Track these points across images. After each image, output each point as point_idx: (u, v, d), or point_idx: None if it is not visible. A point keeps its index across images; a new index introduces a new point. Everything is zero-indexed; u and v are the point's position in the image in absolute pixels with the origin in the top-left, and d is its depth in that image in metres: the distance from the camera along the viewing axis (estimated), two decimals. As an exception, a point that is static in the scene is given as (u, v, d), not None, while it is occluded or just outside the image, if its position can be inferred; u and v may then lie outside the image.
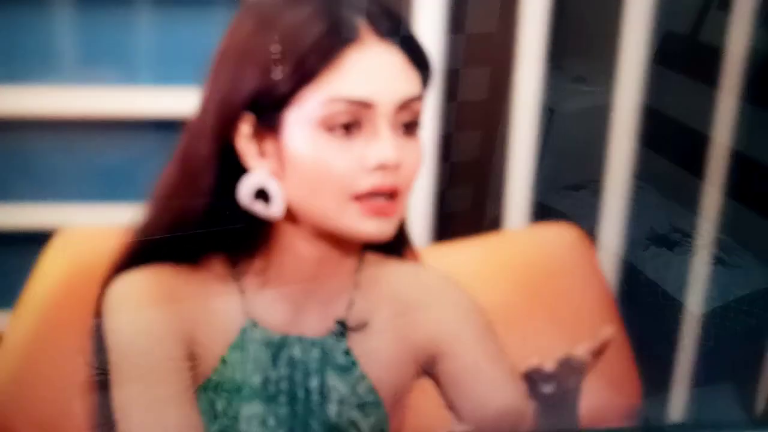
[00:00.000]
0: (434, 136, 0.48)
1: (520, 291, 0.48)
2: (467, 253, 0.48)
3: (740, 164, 0.50)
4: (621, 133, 0.49)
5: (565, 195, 0.51)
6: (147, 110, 0.46)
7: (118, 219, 0.45)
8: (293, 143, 0.42)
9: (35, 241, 0.45)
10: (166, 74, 0.46)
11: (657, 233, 0.51)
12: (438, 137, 0.48)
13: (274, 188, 0.43)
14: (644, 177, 0.50)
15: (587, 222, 0.50)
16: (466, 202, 0.49)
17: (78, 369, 0.45)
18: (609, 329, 0.44)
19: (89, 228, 0.46)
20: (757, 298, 0.51)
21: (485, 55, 0.49)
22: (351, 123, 0.42)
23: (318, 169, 0.42)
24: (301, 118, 0.42)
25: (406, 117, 0.43)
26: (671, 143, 0.50)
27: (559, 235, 0.48)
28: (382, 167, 0.42)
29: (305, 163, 0.42)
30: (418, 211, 0.48)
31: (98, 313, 0.44)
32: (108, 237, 0.45)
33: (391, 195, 0.43)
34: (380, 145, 0.42)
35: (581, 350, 0.44)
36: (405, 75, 0.43)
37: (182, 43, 0.46)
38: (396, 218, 0.44)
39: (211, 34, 0.44)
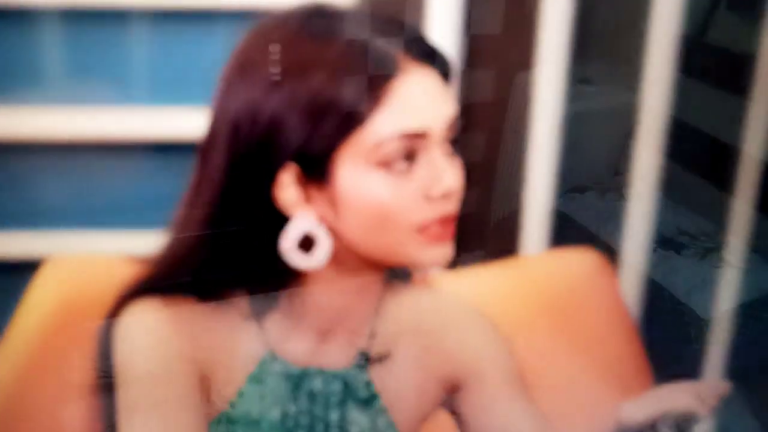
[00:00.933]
0: None
1: (541, 318, 0.47)
2: (487, 279, 0.47)
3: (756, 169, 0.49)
4: (644, 140, 0.48)
5: (570, 198, 0.50)
6: (141, 131, 0.44)
7: (110, 247, 0.44)
8: (348, 187, 0.39)
9: (22, 269, 0.42)
10: (162, 95, 0.43)
11: (664, 236, 0.50)
12: None
13: (322, 236, 0.40)
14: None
15: (593, 224, 0.50)
16: (472, 206, 0.47)
17: (71, 403, 0.42)
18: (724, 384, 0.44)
19: (79, 256, 0.44)
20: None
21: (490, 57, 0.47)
22: (408, 155, 0.39)
23: (379, 208, 0.39)
24: (355, 161, 0.39)
25: (450, 136, 0.41)
26: (680, 147, 0.50)
27: (580, 260, 0.47)
28: (447, 196, 0.40)
29: (364, 205, 0.39)
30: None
31: (100, 343, 0.41)
32: (99, 266, 0.43)
33: (453, 220, 0.41)
34: (443, 174, 0.40)
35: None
36: (445, 95, 0.41)
37: (179, 63, 0.43)
38: (453, 242, 0.42)
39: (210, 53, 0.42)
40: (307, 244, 0.40)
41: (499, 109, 0.49)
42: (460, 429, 0.46)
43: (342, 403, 0.43)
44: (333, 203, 0.40)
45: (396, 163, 0.39)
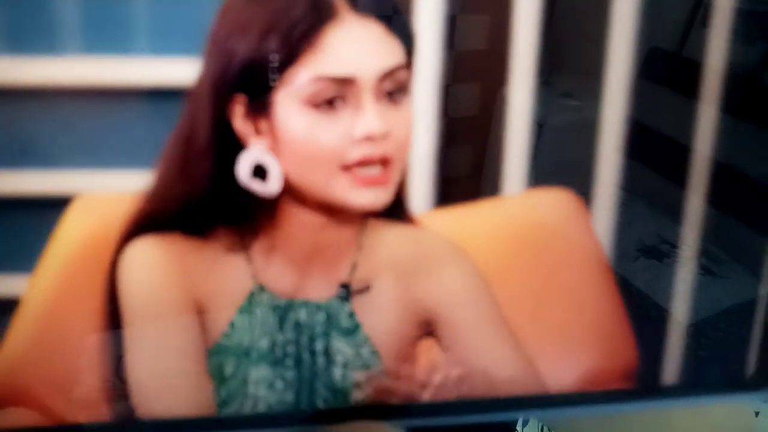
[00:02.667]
0: (433, 89, 0.48)
1: (517, 253, 0.49)
2: (465, 218, 0.49)
3: (727, 176, 0.50)
4: (608, 147, 0.49)
5: None
6: (163, 79, 0.47)
7: (134, 186, 0.47)
8: (283, 121, 0.44)
9: (54, 206, 0.46)
10: (184, 45, 0.46)
11: (646, 245, 0.52)
12: (438, 91, 0.48)
13: (270, 163, 0.44)
14: (632, 190, 0.50)
15: None
16: (467, 165, 0.50)
17: (94, 330, 0.46)
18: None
19: (106, 194, 0.47)
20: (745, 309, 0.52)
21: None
22: (335, 98, 0.43)
23: (308, 144, 0.44)
24: (288, 98, 0.43)
25: (390, 86, 0.44)
26: (657, 155, 0.51)
27: (555, 199, 0.49)
28: (368, 138, 0.44)
29: (296, 140, 0.44)
30: (418, 176, 0.49)
31: (112, 276, 0.46)
32: (124, 203, 0.46)
33: (383, 163, 0.44)
34: (365, 116, 0.43)
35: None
36: (385, 46, 0.44)
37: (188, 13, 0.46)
38: (391, 187, 0.45)
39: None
40: (263, 173, 0.44)
41: (494, 60, 0.51)
42: (446, 359, 0.48)
43: (326, 333, 0.47)
44: (274, 137, 0.44)
45: (324, 103, 0.43)
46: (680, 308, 0.50)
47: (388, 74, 0.44)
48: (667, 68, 0.48)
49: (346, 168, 0.44)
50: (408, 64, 0.45)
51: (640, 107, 0.49)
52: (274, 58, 0.43)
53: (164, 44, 0.45)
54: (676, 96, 0.49)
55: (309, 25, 0.43)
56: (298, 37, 0.43)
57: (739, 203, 0.49)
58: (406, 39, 0.45)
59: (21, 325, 0.46)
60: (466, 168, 0.49)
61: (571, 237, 0.49)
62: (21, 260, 0.46)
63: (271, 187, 0.44)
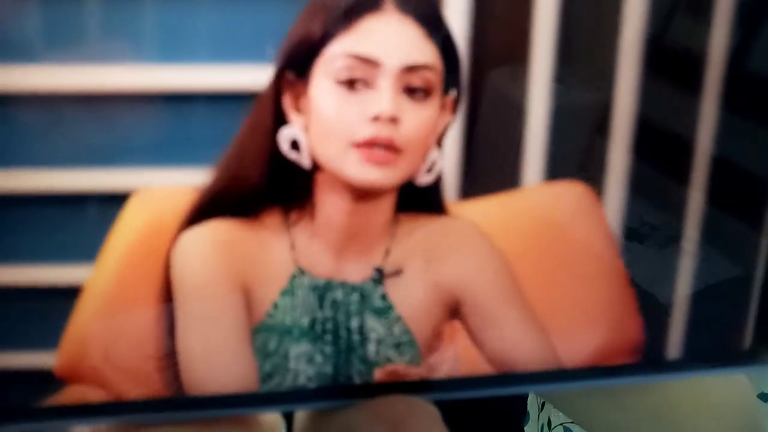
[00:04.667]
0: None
1: (534, 241, 0.53)
2: (486, 209, 0.52)
3: (712, 165, 0.52)
4: (610, 136, 0.51)
5: None
6: (229, 85, 0.49)
7: (191, 181, 0.50)
8: (314, 94, 0.48)
9: (115, 201, 0.50)
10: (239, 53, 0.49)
11: (628, 227, 0.53)
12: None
13: (301, 138, 0.48)
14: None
15: None
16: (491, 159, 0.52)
17: (152, 313, 0.50)
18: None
19: (164, 188, 0.50)
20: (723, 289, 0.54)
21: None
22: (358, 79, 0.47)
23: (327, 118, 0.47)
24: (322, 71, 0.47)
25: (414, 82, 0.48)
26: (643, 143, 0.52)
27: (569, 191, 0.52)
28: (377, 118, 0.47)
29: (320, 113, 0.48)
30: (445, 169, 0.52)
31: (168, 262, 0.50)
32: (181, 196, 0.50)
33: (390, 147, 0.48)
34: (379, 97, 0.47)
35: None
36: (418, 44, 0.48)
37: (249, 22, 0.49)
38: (399, 171, 0.49)
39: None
40: (298, 149, 0.48)
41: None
42: (471, 340, 0.52)
43: (360, 312, 0.51)
44: (308, 113, 0.48)
45: (347, 82, 0.47)
46: (681, 286, 0.54)
47: (413, 69, 0.48)
48: (651, 53, 0.50)
49: (357, 146, 0.48)
50: (442, 73, 0.49)
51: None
52: (316, 34, 0.47)
53: (223, 51, 0.48)
54: (659, 82, 0.50)
55: (351, 9, 0.46)
56: (338, 18, 0.46)
57: (727, 187, 0.52)
58: (447, 51, 0.48)
59: (85, 308, 0.50)
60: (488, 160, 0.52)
61: (585, 225, 0.53)
62: (86, 250, 0.50)
63: (303, 160, 0.48)
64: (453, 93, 0.49)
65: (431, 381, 0.52)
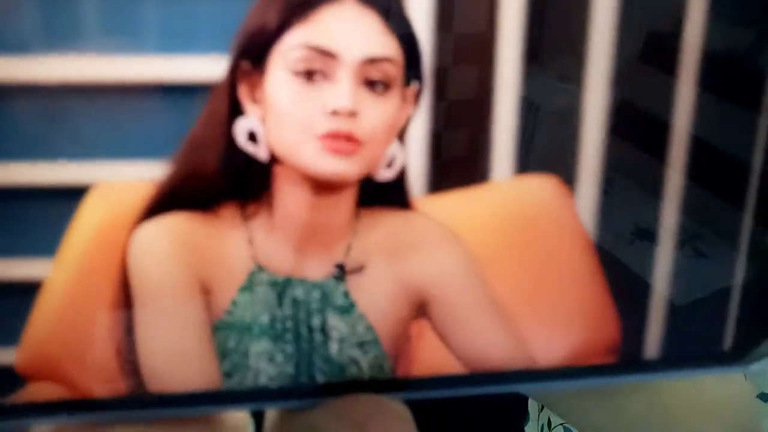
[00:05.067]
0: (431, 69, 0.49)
1: (506, 237, 0.51)
2: (455, 203, 0.51)
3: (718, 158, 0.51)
4: (596, 129, 0.50)
5: None
6: (184, 76, 0.48)
7: (150, 175, 0.49)
8: (270, 85, 0.47)
9: (74, 195, 0.49)
10: (197, 44, 0.48)
11: (641, 228, 0.52)
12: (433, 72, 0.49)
13: (258, 130, 0.47)
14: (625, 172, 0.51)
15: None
16: (462, 149, 0.51)
17: (111, 309, 0.49)
18: None
19: (122, 183, 0.49)
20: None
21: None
22: (315, 71, 0.46)
23: (284, 109, 0.46)
24: (278, 62, 0.46)
25: (374, 74, 0.47)
26: (651, 139, 0.51)
27: (541, 184, 0.51)
28: (336, 112, 0.46)
29: (277, 104, 0.46)
30: (412, 161, 0.50)
31: (125, 258, 0.49)
32: (139, 191, 0.49)
33: (350, 140, 0.47)
34: (337, 91, 0.46)
35: None
36: (378, 36, 0.46)
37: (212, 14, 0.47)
38: (360, 162, 0.47)
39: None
40: (255, 140, 0.47)
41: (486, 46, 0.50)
42: (439, 339, 0.51)
43: (322, 310, 0.50)
44: (264, 103, 0.47)
45: (305, 74, 0.45)
46: (661, 286, 0.52)
47: (373, 61, 0.46)
48: (666, 52, 0.49)
49: (315, 138, 0.46)
50: (403, 66, 0.47)
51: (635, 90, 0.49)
52: (271, 24, 0.45)
53: (179, 42, 0.47)
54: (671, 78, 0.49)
55: (309, 3, 0.45)
56: (295, 8, 0.45)
57: (717, 179, 0.50)
58: (407, 43, 0.47)
59: (46, 304, 0.49)
60: (459, 153, 0.51)
61: (558, 221, 0.51)
62: (45, 246, 0.49)
63: (260, 151, 0.47)
64: (415, 85, 0.48)
65: (400, 380, 0.51)
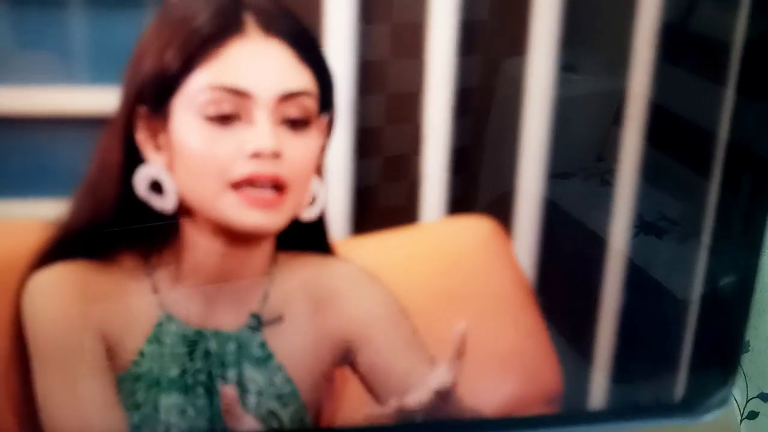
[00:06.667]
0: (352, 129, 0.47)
1: (436, 282, 0.48)
2: (383, 246, 0.48)
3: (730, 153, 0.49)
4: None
5: (555, 183, 0.51)
6: (74, 108, 0.45)
7: (38, 214, 0.46)
8: (177, 132, 0.43)
9: None
10: (95, 74, 0.44)
11: (646, 221, 0.51)
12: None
13: (165, 180, 0.43)
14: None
15: (576, 210, 0.50)
16: (391, 197, 0.48)
17: (7, 355, 0.46)
18: (461, 326, 0.46)
19: (12, 222, 0.46)
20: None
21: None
22: (229, 114, 0.42)
23: (197, 157, 0.43)
24: (184, 107, 0.42)
25: (292, 112, 0.43)
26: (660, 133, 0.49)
27: (474, 226, 0.47)
28: (257, 155, 0.43)
29: (187, 152, 0.43)
30: (336, 204, 0.48)
31: (17, 307, 0.45)
32: (26, 231, 0.45)
33: (276, 186, 0.43)
34: (256, 132, 0.42)
35: (442, 373, 0.45)
36: (291, 70, 0.43)
37: (113, 42, 0.45)
38: (284, 212, 0.44)
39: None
40: (161, 190, 0.43)
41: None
42: (362, 385, 0.48)
43: (237, 362, 0.46)
44: (170, 150, 0.43)
45: (218, 118, 0.42)
46: (607, 332, 0.49)
47: (289, 97, 0.43)
48: (671, 43, 0.47)
49: (235, 186, 0.43)
50: (318, 96, 0.44)
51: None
52: (172, 66, 0.42)
53: (77, 74, 0.43)
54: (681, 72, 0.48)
55: (209, 35, 0.42)
56: (196, 46, 0.42)
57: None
58: (320, 71, 0.44)
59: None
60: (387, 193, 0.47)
61: (490, 264, 0.48)
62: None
63: (166, 202, 0.44)
64: (327, 114, 0.44)
65: (323, 430, 0.48)
